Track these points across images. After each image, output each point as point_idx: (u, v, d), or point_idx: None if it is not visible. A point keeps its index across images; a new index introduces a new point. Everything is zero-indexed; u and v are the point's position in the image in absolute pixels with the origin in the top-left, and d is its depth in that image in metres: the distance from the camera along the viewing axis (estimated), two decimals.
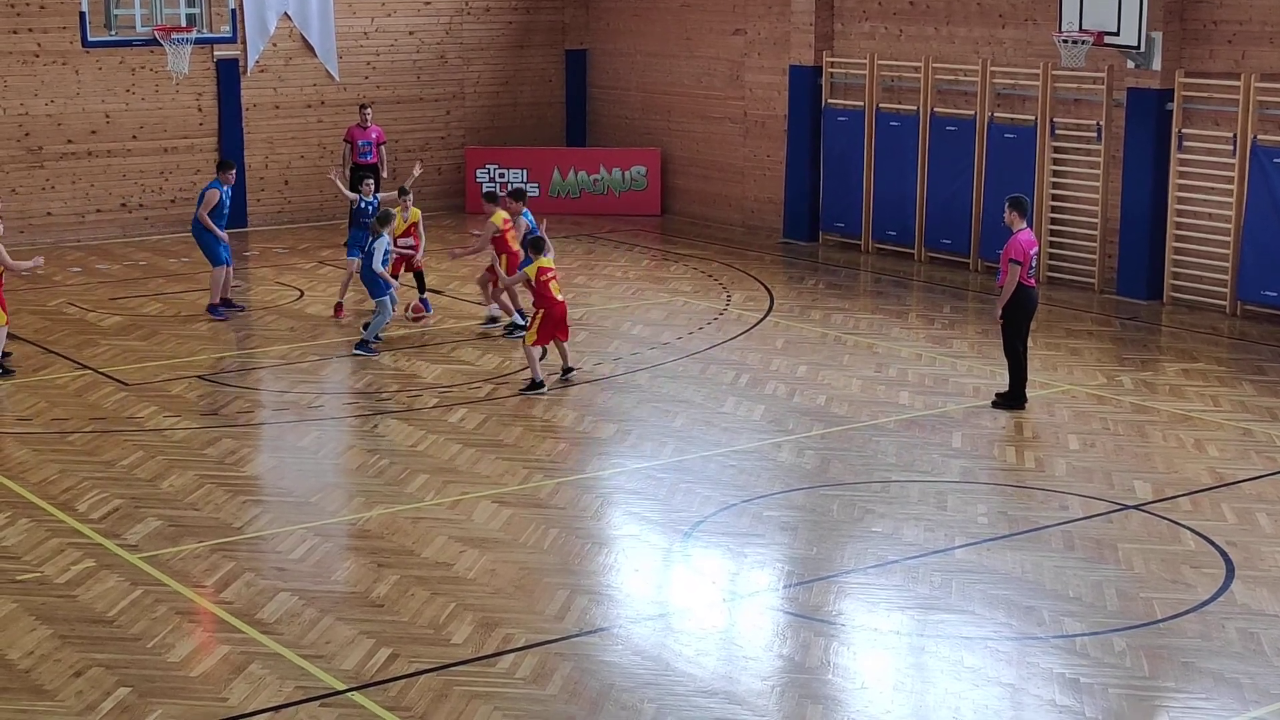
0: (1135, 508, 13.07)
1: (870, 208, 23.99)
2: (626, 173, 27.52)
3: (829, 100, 24.46)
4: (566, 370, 16.93)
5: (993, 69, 22.23)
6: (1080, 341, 18.75)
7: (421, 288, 19.67)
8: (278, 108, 26.34)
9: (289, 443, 15.12)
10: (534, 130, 28.75)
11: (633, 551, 12.30)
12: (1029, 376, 16.13)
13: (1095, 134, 21.26)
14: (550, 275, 16.53)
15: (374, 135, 24.41)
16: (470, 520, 12.83)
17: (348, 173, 24.29)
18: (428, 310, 19.16)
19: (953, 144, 22.74)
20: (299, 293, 21.23)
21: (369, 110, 24.65)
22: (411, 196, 19.69)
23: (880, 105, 23.74)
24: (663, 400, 16.33)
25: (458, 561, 11.92)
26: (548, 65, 28.82)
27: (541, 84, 28.81)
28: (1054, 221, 21.91)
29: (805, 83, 24.65)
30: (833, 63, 24.40)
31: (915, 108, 23.23)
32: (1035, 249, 15.93)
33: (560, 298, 16.53)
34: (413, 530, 12.58)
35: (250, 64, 25.92)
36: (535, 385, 16.46)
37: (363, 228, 19.55)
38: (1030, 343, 16.29)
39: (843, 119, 24.23)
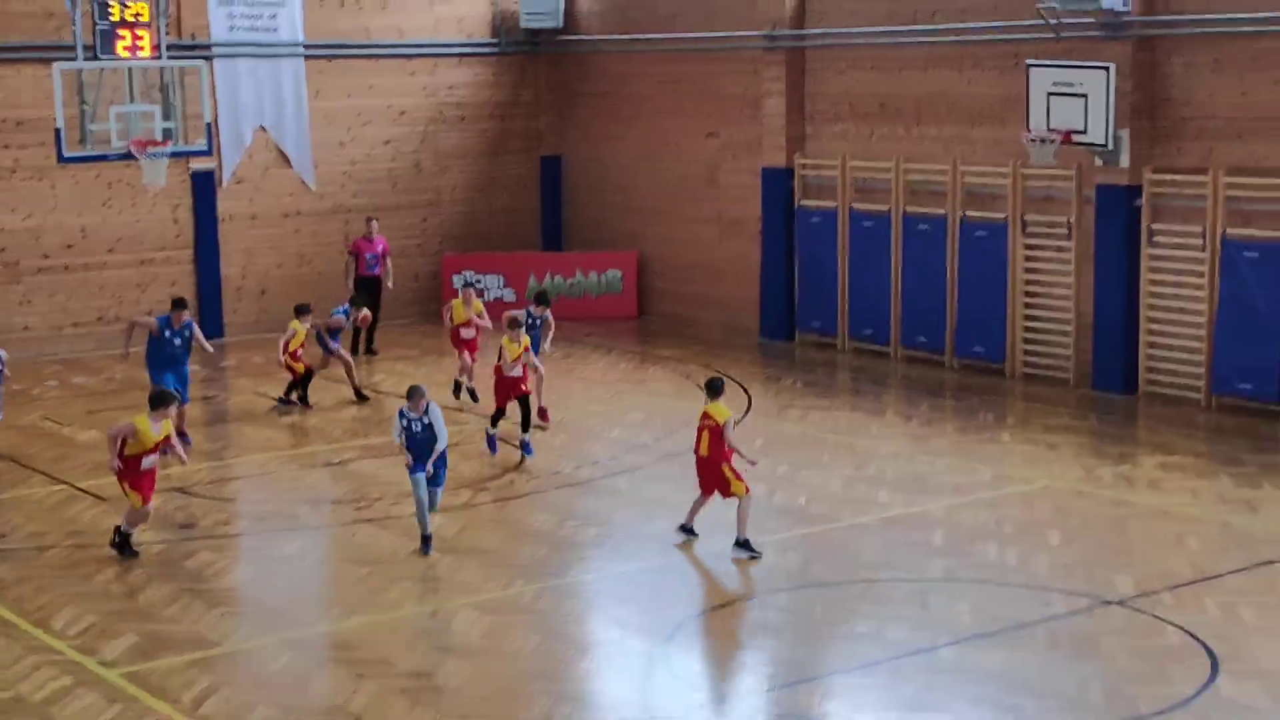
0: (1117, 603, 13.02)
1: (845, 306, 24.10)
2: (603, 275, 27.63)
3: (802, 201, 24.65)
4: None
5: (963, 168, 22.45)
6: (1058, 436, 18.77)
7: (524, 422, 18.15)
8: (254, 218, 26.44)
9: (267, 553, 15.01)
10: (510, 236, 28.88)
11: (615, 656, 12.20)
12: (1008, 471, 16.02)
13: (1066, 230, 21.43)
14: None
15: (380, 248, 24.60)
16: (450, 628, 12.73)
17: (351, 284, 24.41)
18: (528, 453, 17.90)
19: (925, 242, 22.90)
20: (276, 402, 21.16)
21: (375, 222, 24.86)
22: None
23: (853, 205, 23.92)
24: (643, 503, 16.28)
25: (438, 671, 11.80)
26: (523, 171, 29.01)
27: (517, 190, 28.98)
28: (1028, 318, 22.02)
29: (778, 184, 24.86)
30: (804, 164, 24.62)
31: (887, 207, 23.42)
32: None
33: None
34: (392, 640, 12.47)
35: (226, 175, 26.05)
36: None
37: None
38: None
39: (816, 219, 24.40)
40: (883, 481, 16.85)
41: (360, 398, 20.94)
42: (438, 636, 12.53)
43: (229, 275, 26.19)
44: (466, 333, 20.37)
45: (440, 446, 14.58)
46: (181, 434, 17.96)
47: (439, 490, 14.90)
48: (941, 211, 22.73)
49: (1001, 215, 22.05)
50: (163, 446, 14.43)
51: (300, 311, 20.89)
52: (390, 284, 24.83)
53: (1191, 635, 12.21)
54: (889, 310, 23.47)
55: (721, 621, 12.78)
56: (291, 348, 20.51)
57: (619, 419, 19.91)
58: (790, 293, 24.95)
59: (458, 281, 27.44)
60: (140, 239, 25.49)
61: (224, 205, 26.07)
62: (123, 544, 14.66)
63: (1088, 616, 12.72)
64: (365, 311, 21.94)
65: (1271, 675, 11.41)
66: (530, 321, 19.36)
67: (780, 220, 24.90)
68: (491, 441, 17.96)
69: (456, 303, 20.54)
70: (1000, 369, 22.23)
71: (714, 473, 14.45)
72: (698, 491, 14.72)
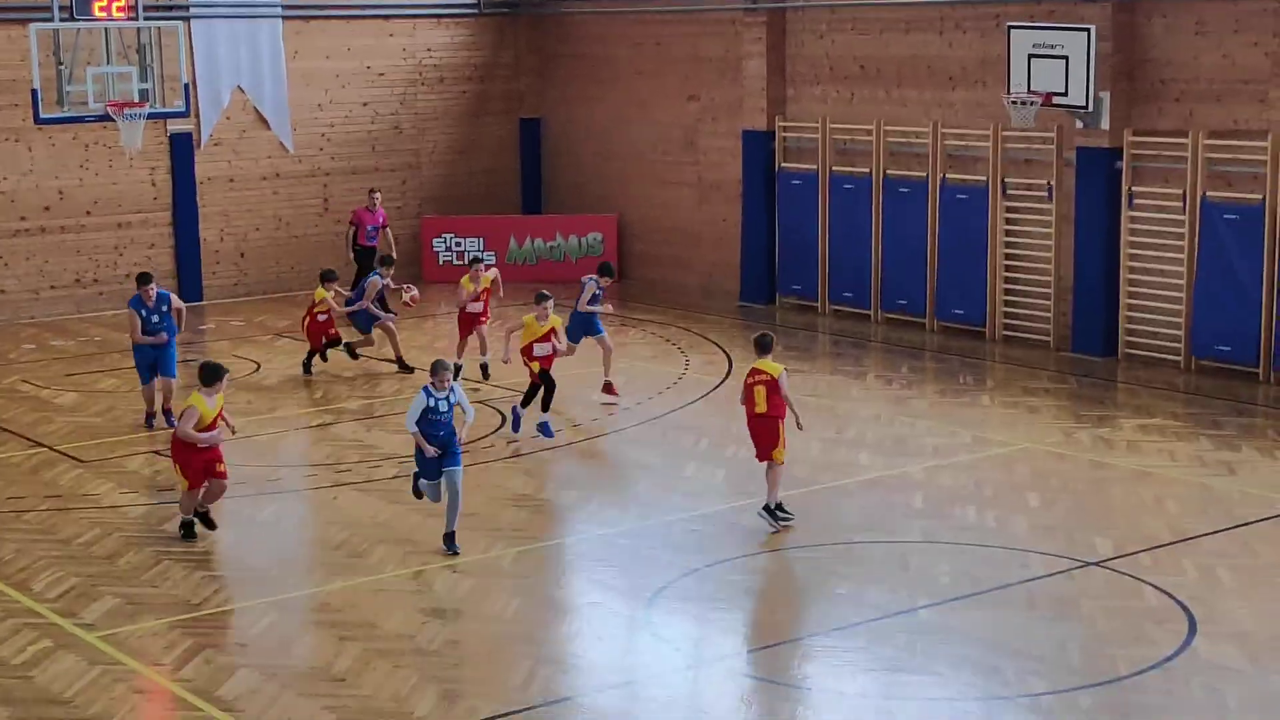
0: (1096, 564, 13.10)
1: (826, 270, 24.12)
2: (583, 239, 27.61)
3: (783, 164, 24.63)
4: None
5: (944, 130, 22.44)
6: (1037, 399, 18.84)
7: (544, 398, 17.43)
8: (232, 181, 26.34)
9: (247, 517, 14.99)
10: (490, 199, 28.83)
11: (596, 619, 12.24)
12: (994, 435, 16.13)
13: (1046, 193, 21.46)
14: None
15: (381, 219, 24.46)
16: (432, 591, 12.76)
17: (352, 255, 24.24)
18: (547, 434, 17.12)
19: (906, 205, 22.92)
20: (256, 365, 21.14)
21: (378, 195, 24.64)
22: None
23: (834, 168, 23.92)
24: (624, 466, 16.30)
25: (420, 633, 11.84)
26: (503, 133, 28.93)
27: (497, 152, 28.91)
28: (1008, 280, 22.07)
29: (759, 147, 24.83)
30: (785, 127, 24.59)
31: (868, 170, 23.42)
32: None
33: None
34: (374, 602, 12.50)
35: (204, 138, 25.92)
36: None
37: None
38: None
39: (797, 182, 24.39)
40: (863, 444, 16.90)
41: (349, 356, 20.67)
42: (420, 599, 12.56)
43: (207, 238, 26.11)
44: (474, 307, 19.62)
45: (469, 420, 13.79)
46: (165, 412, 17.71)
47: (458, 470, 13.65)
48: (922, 174, 22.74)
49: (982, 178, 22.07)
50: (217, 422, 13.87)
51: (325, 278, 20.40)
52: (393, 255, 24.72)
53: (1170, 596, 12.29)
54: (870, 273, 23.50)
55: (702, 584, 12.83)
56: (314, 312, 20.14)
57: (600, 382, 19.90)
58: (771, 256, 24.96)
59: (439, 245, 27.49)
60: (118, 201, 25.38)
61: (202, 168, 25.96)
62: (187, 529, 14.05)
63: (1067, 578, 12.80)
64: (413, 290, 20.84)
65: (1247, 636, 11.51)
66: (598, 294, 18.85)
67: (761, 183, 24.89)
68: (546, 427, 17.09)
69: (465, 279, 19.68)
70: (980, 331, 22.30)
71: (770, 430, 13.97)
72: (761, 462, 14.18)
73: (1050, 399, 18.89)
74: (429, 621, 12.05)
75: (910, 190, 22.88)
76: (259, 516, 14.96)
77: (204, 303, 25.66)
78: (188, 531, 14.08)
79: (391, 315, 20.90)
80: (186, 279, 25.59)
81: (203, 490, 14.01)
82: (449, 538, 13.64)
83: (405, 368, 20.51)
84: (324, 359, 20.57)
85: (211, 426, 13.79)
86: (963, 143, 22.39)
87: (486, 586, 12.80)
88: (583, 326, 18.94)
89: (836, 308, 24.14)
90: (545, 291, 17.49)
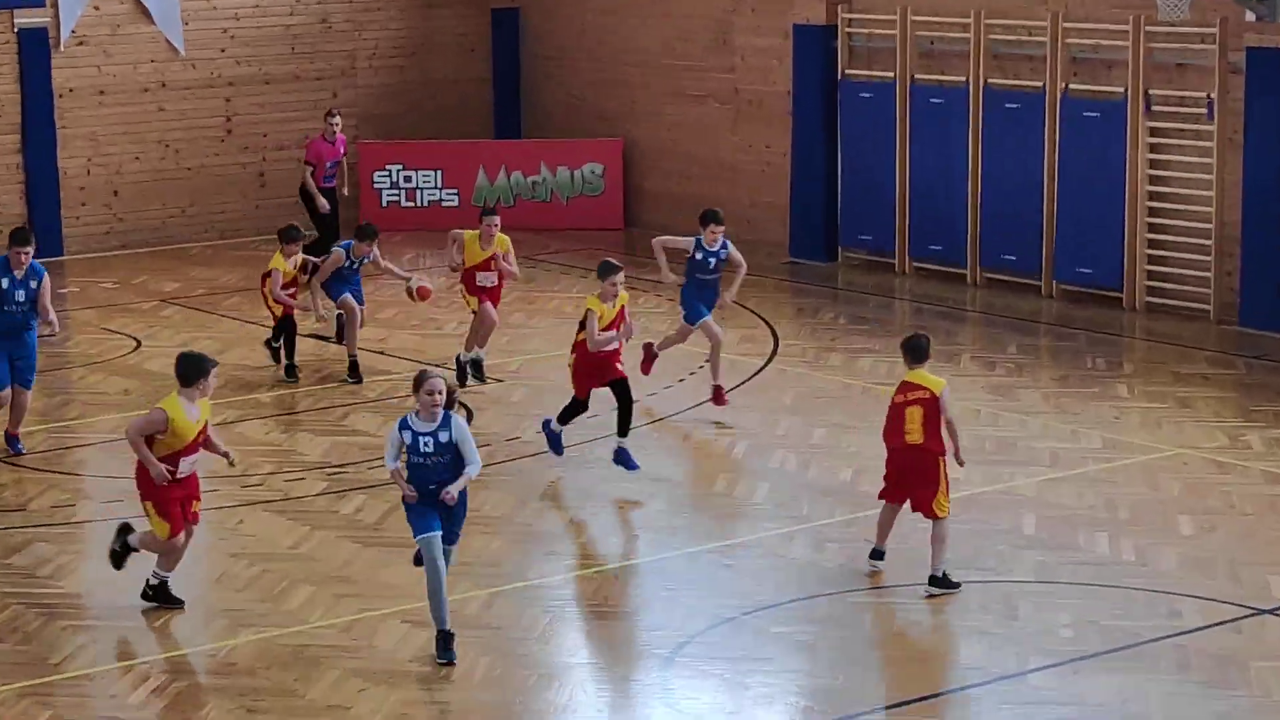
0: (1270, 612, 13.13)
1: (906, 214, 24.14)
2: (577, 172, 27.64)
3: (848, 70, 24.64)
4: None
5: (1066, 25, 22.43)
6: (1192, 389, 18.86)
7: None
8: (103, 93, 26.38)
9: None
10: (451, 117, 28.85)
11: (594, 684, 12.29)
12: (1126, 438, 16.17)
13: (1206, 110, 21.45)
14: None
15: (342, 150, 24.46)
16: (372, 647, 12.80)
17: (317, 201, 24.16)
18: (629, 466, 16.43)
19: (1015, 126, 22.92)
20: (135, 342, 21.18)
21: (337, 119, 24.51)
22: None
23: (916, 76, 23.93)
24: (631, 479, 16.32)
25: (356, 703, 11.88)
26: (468, 29, 28.95)
27: (460, 55, 28.93)
28: (1153, 229, 22.08)
29: (816, 47, 24.83)
30: (851, 19, 24.59)
31: (964, 78, 23.42)
32: None
33: None
34: (294, 663, 12.55)
35: (64, 34, 25.96)
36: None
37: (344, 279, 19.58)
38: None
39: (866, 95, 24.40)
40: None
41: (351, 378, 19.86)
42: (356, 658, 12.60)
43: (68, 170, 26.15)
44: (485, 278, 19.07)
45: (470, 473, 12.53)
46: (10, 438, 17.14)
47: (453, 549, 12.81)
48: (1037, 84, 22.75)
49: (1118, 89, 22.07)
50: (201, 439, 13.35)
51: (286, 239, 19.63)
52: (345, 191, 24.79)
53: None
54: (965, 219, 23.52)
55: (737, 636, 12.87)
56: (268, 286, 19.39)
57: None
58: (831, 195, 24.99)
59: (381, 180, 27.50)
60: None
61: (62, 75, 25.99)
62: (160, 592, 13.48)
63: (1231, 630, 12.83)
64: (424, 283, 19.65)
65: None
66: (703, 258, 18.31)
67: (818, 97, 24.90)
68: (555, 440, 16.64)
69: (469, 236, 19.11)
70: (1115, 298, 22.31)
71: (926, 470, 13.63)
72: (885, 499, 13.99)
73: (1210, 389, 18.91)
74: (368, 689, 12.09)
75: (1020, 106, 22.88)
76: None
77: (64, 257, 25.71)
78: (163, 593, 13.49)
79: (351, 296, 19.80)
80: (41, 224, 25.52)
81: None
82: (445, 640, 12.49)
83: (354, 373, 19.67)
84: (277, 349, 19.89)
85: (192, 448, 13.24)
86: (1091, 41, 22.39)
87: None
88: (703, 301, 18.34)
89: (920, 265, 24.17)
90: (613, 261, 16.58)
